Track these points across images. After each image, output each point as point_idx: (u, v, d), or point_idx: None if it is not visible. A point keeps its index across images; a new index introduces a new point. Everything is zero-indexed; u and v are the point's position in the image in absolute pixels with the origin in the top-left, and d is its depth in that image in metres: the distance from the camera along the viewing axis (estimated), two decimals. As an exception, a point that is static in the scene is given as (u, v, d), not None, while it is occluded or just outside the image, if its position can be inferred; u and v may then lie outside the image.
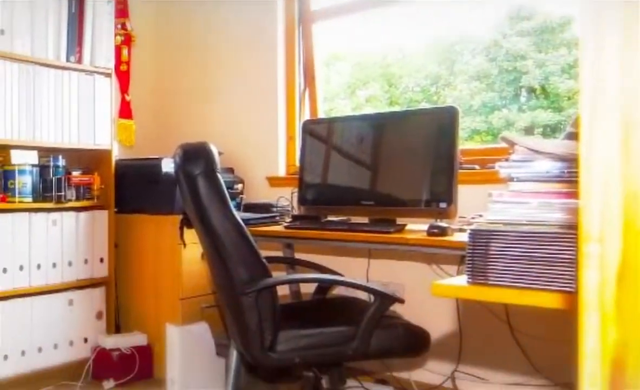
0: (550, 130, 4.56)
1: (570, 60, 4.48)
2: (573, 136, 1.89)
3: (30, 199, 4.47)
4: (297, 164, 4.79)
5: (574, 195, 1.75)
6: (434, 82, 5.14)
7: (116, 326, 4.99)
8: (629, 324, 0.93)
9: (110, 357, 4.57)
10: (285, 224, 4.19)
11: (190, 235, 4.16)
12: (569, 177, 1.78)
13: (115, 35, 5.20)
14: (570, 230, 1.71)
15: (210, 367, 4.44)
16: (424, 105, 5.06)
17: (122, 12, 5.41)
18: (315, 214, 4.23)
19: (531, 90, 4.73)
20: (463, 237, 2.71)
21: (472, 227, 1.91)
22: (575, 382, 0.95)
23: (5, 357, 4.25)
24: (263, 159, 5.21)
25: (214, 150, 3.36)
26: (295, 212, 4.59)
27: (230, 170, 5.10)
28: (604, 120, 0.93)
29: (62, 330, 4.60)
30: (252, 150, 5.27)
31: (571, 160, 1.78)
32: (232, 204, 3.32)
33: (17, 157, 4.38)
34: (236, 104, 5.39)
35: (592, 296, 0.92)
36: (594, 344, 0.93)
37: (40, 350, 4.45)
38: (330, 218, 4.17)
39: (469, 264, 1.87)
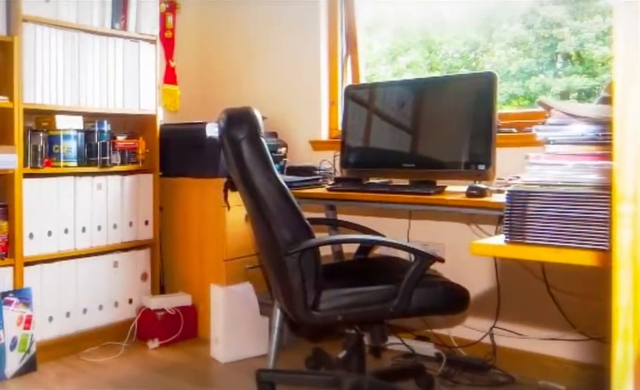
0: (585, 95, 4.47)
1: (604, 27, 4.41)
2: (607, 100, 1.96)
3: (75, 163, 4.50)
4: (340, 128, 4.85)
5: (608, 157, 1.81)
6: (473, 49, 5.06)
7: (161, 287, 5.09)
8: (662, 280, 0.95)
9: (155, 318, 4.68)
10: (328, 186, 4.23)
11: (234, 197, 4.29)
12: (603, 140, 1.84)
13: (160, 2, 5.26)
14: (605, 191, 1.78)
15: (254, 326, 4.53)
16: (463, 71, 5.02)
17: (166, -20, 5.52)
18: (357, 176, 4.28)
19: (567, 57, 4.64)
20: (501, 198, 2.79)
21: (510, 188, 1.98)
22: (609, 337, 0.99)
23: (50, 318, 4.34)
24: (306, 123, 5.28)
25: (258, 115, 3.41)
26: (338, 174, 4.64)
27: (274, 135, 5.16)
28: (637, 85, 0.96)
29: (107, 292, 4.70)
30: (295, 114, 5.32)
31: (605, 124, 1.85)
32: (275, 167, 3.38)
33: (62, 122, 4.43)
34: (280, 69, 5.46)
35: (625, 254, 0.96)
36: (627, 299, 0.97)
37: (85, 311, 4.55)
38: (372, 180, 4.22)
39: (506, 223, 1.93)
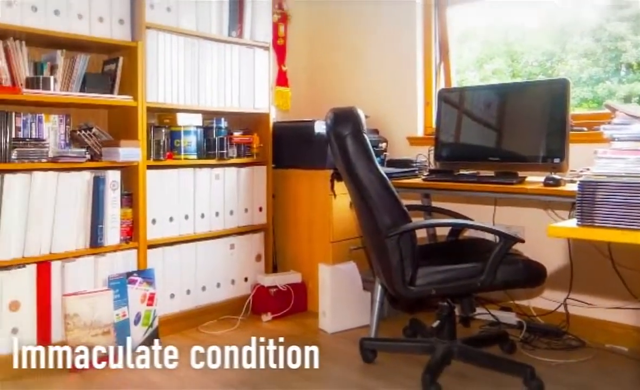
0: None
1: None
2: None
3: (194, 156, 4.74)
4: (434, 125, 5.06)
5: None
6: (549, 58, 5.19)
7: (273, 266, 5.34)
8: None
9: (268, 294, 4.95)
10: (423, 177, 4.51)
11: (340, 187, 4.57)
12: None
13: (273, 13, 5.50)
14: None
15: (358, 300, 4.73)
16: (541, 77, 5.15)
17: (279, -8, 5.67)
18: (449, 168, 4.53)
19: (629, 66, 4.77)
20: (574, 187, 3.06)
21: (581, 178, 2.12)
22: None
23: (172, 295, 4.59)
24: (404, 121, 5.50)
25: (361, 114, 3.66)
26: (432, 167, 4.82)
27: (375, 131, 5.35)
28: None
29: (224, 271, 4.95)
30: (394, 114, 5.55)
31: None
32: (377, 160, 3.62)
33: (183, 119, 4.67)
34: (381, 74, 5.68)
35: None
36: None
37: (204, 289, 4.80)
38: (462, 172, 4.45)
39: (578, 209, 2.08)
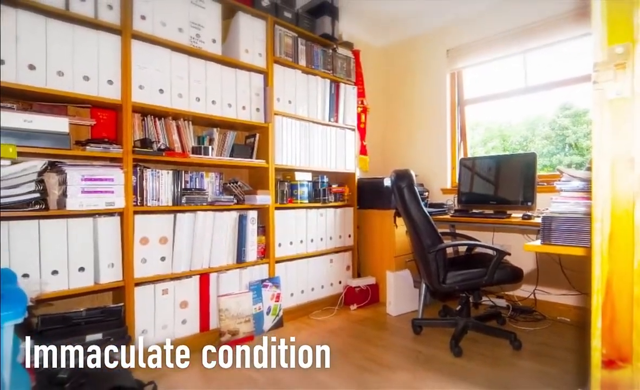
0: (579, 166, 4.87)
1: (588, 130, 5.04)
2: (589, 169, 1.95)
3: (306, 201, 5.07)
4: (457, 181, 5.28)
5: (589, 198, 2.15)
6: (525, 140, 5.54)
7: (357, 273, 5.68)
8: (615, 262, 1.23)
9: (354, 291, 5.32)
10: (451, 214, 4.88)
11: (399, 221, 5.09)
12: (587, 190, 2.20)
13: (357, 107, 5.84)
14: (588, 216, 2.13)
15: (410, 294, 5.10)
16: (520, 151, 5.43)
17: (361, 93, 6.06)
18: (466, 208, 4.93)
19: (570, 145, 5.16)
20: (539, 220, 3.01)
21: (543, 214, 2.34)
22: (590, 291, 1.27)
23: (291, 294, 4.90)
24: (439, 178, 5.99)
25: (413, 173, 3.98)
26: (456, 207, 5.16)
27: (421, 184, 5.78)
28: (604, 162, 1.21)
29: (326, 277, 5.29)
30: (433, 173, 6.03)
31: (588, 181, 2.20)
32: (422, 204, 3.93)
33: (299, 176, 5.00)
34: (425, 147, 6.18)
35: (597, 248, 1.24)
36: (599, 272, 1.24)
37: (312, 289, 5.14)
38: (474, 211, 4.82)
39: (541, 234, 2.32)
